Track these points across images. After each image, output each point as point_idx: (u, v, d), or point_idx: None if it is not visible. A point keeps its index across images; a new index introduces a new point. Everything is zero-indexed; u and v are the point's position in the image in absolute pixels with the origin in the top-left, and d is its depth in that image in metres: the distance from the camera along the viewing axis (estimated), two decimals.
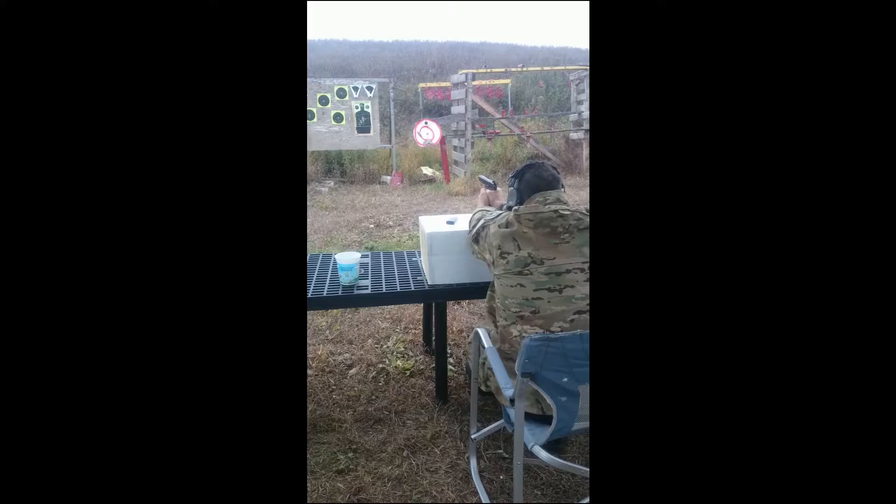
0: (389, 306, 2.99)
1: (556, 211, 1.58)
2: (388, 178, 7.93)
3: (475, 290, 1.98)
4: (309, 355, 2.49)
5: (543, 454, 1.32)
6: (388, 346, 2.60)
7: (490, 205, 2.00)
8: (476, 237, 1.73)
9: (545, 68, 10.57)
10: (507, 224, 1.61)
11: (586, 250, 1.55)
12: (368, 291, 1.96)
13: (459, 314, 2.99)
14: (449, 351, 2.42)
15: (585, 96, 8.31)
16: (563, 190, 1.68)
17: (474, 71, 8.61)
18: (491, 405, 1.99)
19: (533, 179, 1.66)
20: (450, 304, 2.97)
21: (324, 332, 2.77)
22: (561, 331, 1.51)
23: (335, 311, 2.96)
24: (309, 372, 2.36)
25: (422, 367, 2.40)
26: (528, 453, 1.34)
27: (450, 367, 2.30)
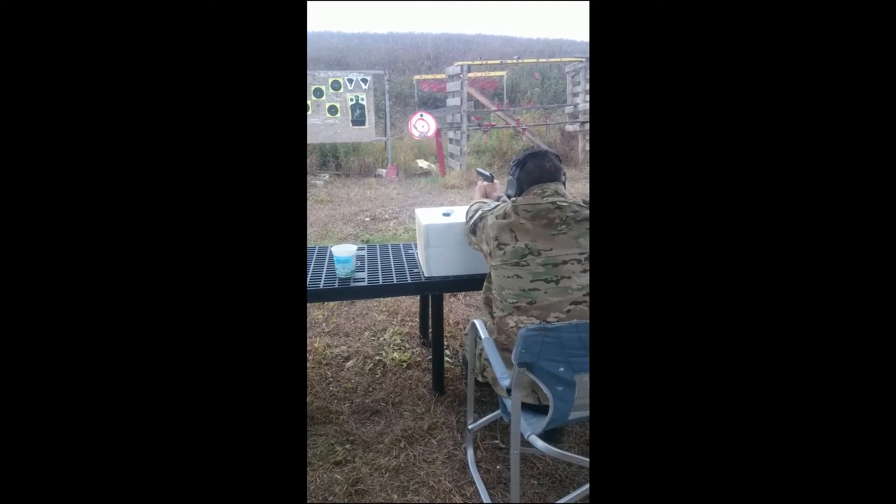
0: (386, 298, 2.99)
1: (553, 202, 1.58)
2: (384, 170, 7.90)
3: (471, 282, 1.98)
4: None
5: (540, 444, 1.33)
6: (384, 339, 2.60)
7: (487, 197, 2.00)
8: (473, 228, 1.73)
9: (541, 60, 10.54)
10: (505, 215, 1.61)
11: (583, 241, 1.55)
12: (365, 284, 1.97)
13: (456, 306, 3.00)
14: (445, 342, 2.43)
15: (581, 88, 8.30)
16: (563, 181, 1.68)
17: (470, 63, 8.58)
18: (487, 396, 2.00)
19: (534, 170, 1.66)
20: (446, 295, 2.97)
21: (320, 325, 2.77)
22: (557, 321, 1.52)
23: (332, 303, 2.96)
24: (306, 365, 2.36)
25: (418, 358, 2.41)
26: (525, 443, 1.35)
27: (446, 358, 2.31)
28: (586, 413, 1.34)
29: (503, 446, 1.81)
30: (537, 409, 1.45)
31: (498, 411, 1.61)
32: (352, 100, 7.65)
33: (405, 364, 2.36)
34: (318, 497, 1.60)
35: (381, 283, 1.97)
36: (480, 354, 1.63)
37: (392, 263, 2.18)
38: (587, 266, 1.55)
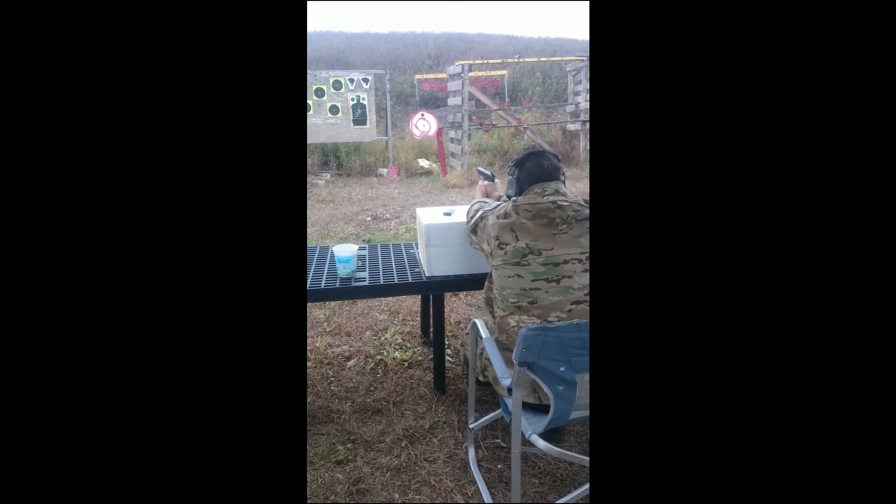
0: (387, 298, 3.00)
1: (554, 202, 1.58)
2: (385, 170, 7.91)
3: (473, 282, 1.98)
4: (307, 347, 2.50)
5: (541, 443, 1.33)
6: (386, 338, 2.60)
7: (488, 196, 2.00)
8: (474, 228, 1.73)
9: (542, 59, 10.53)
10: (506, 215, 1.61)
11: (584, 241, 1.55)
12: (366, 283, 1.97)
13: (457, 305, 3.00)
14: (447, 342, 2.43)
15: (582, 87, 8.29)
16: (563, 180, 1.68)
17: (471, 62, 8.58)
18: (488, 395, 2.00)
19: (533, 169, 1.66)
20: (447, 295, 2.98)
21: (322, 325, 2.77)
22: (558, 321, 1.52)
23: (333, 303, 2.96)
24: (307, 364, 2.36)
25: (420, 358, 2.41)
26: (526, 442, 1.35)
27: (448, 357, 2.31)
28: (587, 412, 1.34)
29: (504, 445, 1.81)
30: (538, 408, 1.45)
31: (499, 410, 1.61)
32: (353, 99, 7.65)
33: (406, 363, 2.36)
34: (319, 496, 1.60)
35: (382, 282, 1.98)
36: (481, 354, 1.63)
37: (393, 263, 2.18)
38: (588, 265, 1.55)
